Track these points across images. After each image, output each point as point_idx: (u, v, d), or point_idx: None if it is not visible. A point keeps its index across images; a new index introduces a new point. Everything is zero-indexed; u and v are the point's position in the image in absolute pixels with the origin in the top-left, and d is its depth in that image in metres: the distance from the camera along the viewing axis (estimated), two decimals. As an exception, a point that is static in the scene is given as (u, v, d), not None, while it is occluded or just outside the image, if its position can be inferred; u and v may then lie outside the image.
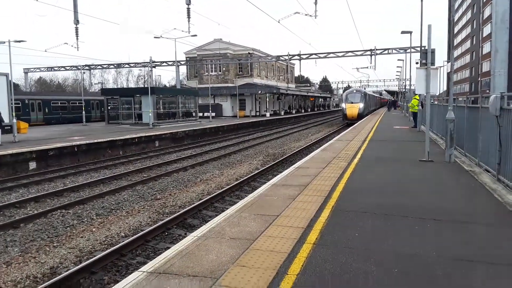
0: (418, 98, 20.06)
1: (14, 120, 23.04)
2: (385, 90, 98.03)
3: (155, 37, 39.79)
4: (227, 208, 7.47)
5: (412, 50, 35.72)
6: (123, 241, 8.15)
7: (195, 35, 40.77)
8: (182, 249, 4.39)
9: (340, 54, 40.95)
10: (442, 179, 8.41)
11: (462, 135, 11.60)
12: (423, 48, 9.53)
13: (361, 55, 40.24)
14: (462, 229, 5.11)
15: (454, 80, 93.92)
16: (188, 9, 15.60)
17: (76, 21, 16.17)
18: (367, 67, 44.70)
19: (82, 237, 8.67)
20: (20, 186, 14.09)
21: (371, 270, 3.81)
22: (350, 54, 40.67)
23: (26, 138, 23.11)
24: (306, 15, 25.68)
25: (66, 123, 38.71)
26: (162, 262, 4.03)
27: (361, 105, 37.23)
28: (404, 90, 51.44)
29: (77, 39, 17.13)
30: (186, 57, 56.88)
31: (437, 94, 11.66)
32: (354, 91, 41.27)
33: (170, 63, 48.47)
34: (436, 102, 19.65)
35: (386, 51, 39.14)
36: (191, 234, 4.99)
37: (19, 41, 21.41)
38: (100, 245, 8.21)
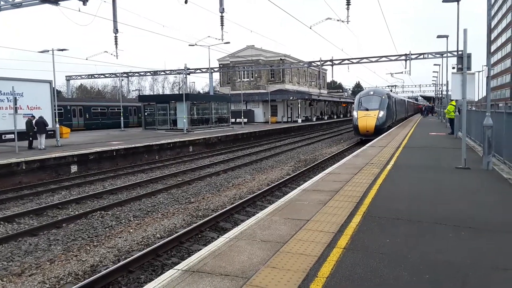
0: (454, 104, 19.51)
1: (57, 125, 24.21)
2: (421, 96, 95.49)
3: (189, 45, 40.63)
4: (258, 212, 7.61)
5: (449, 54, 34.69)
6: (158, 242, 8.47)
7: (228, 42, 41.42)
8: (215, 250, 4.55)
9: (373, 59, 40.36)
10: (478, 187, 8.19)
11: (501, 142, 11.22)
12: (459, 52, 9.31)
13: (396, 60, 39.49)
14: (498, 237, 5.00)
15: (494, 86, 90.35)
16: (222, 17, 15.95)
17: (116, 30, 16.87)
18: (402, 72, 43.83)
19: (120, 237, 9.03)
20: (62, 188, 14.80)
21: (402, 275, 3.82)
22: (384, 59, 40.00)
23: (68, 143, 24.21)
24: (338, 20, 25.59)
25: (105, 129, 40.18)
26: (196, 261, 4.20)
27: (381, 113, 26.55)
28: (441, 95, 50.02)
29: (116, 47, 17.85)
30: (220, 64, 57.78)
31: (475, 99, 11.34)
32: (371, 92, 28.84)
33: (203, 70, 49.37)
34: (474, 108, 19.07)
35: (422, 56, 38.22)
36: (223, 236, 5.14)
37: (62, 50, 22.56)
38: (137, 245, 8.53)
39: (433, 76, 69.83)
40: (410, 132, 23.42)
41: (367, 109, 26.96)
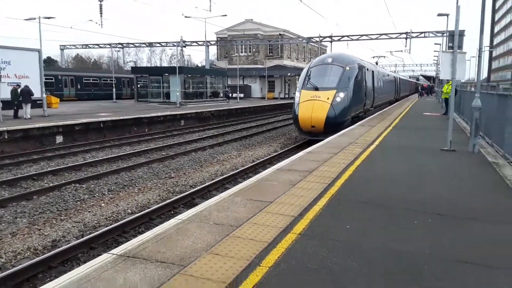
0: (450, 83, 19.00)
1: (44, 95, 23.70)
2: (422, 75, 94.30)
3: (185, 17, 39.61)
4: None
5: (450, 33, 33.83)
6: (127, 218, 8.21)
7: (225, 15, 40.64)
8: (161, 233, 4.24)
9: (373, 37, 39.52)
10: (460, 170, 7.87)
11: (491, 124, 10.87)
12: (449, 31, 8.84)
13: (396, 38, 38.69)
14: (464, 226, 4.69)
15: (496, 67, 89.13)
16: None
17: (101, -2, 16.19)
18: (401, 51, 42.80)
19: (89, 211, 8.77)
20: (43, 159, 14.48)
21: (352, 267, 3.52)
22: (384, 36, 39.17)
23: (56, 113, 23.78)
24: None
25: (97, 100, 39.61)
26: (135, 245, 3.89)
27: (340, 95, 15.84)
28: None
29: (101, 16, 17.22)
30: (217, 38, 56.60)
31: (463, 80, 10.89)
32: (329, 59, 17.60)
33: (200, 43, 48.38)
34: (473, 89, 18.59)
35: (422, 35, 37.42)
36: (176, 217, 4.83)
37: (49, 18, 21.81)
38: (105, 220, 8.28)
39: (434, 56, 68.75)
40: (404, 112, 22.99)
41: (316, 88, 16.05)
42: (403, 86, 45.54)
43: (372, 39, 39.59)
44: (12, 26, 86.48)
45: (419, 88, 53.88)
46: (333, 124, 15.27)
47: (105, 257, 3.61)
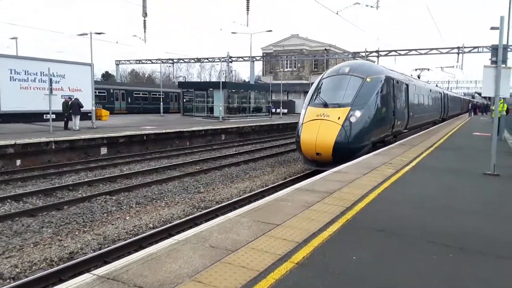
0: (502, 102, 17.70)
1: (93, 108, 24.87)
2: (477, 93, 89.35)
3: (232, 33, 40.40)
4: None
5: (509, 49, 31.75)
6: (146, 232, 8.18)
7: (270, 31, 40.83)
8: (152, 253, 4.07)
9: (422, 52, 37.99)
10: (500, 198, 7.10)
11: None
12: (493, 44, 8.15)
13: (447, 53, 36.95)
14: (493, 266, 4.11)
15: None
16: (247, 1, 15.34)
17: (144, 14, 16.81)
18: (453, 67, 40.50)
19: (113, 224, 8.85)
20: (85, 169, 15.02)
21: (344, 306, 3.15)
22: (434, 51, 37.54)
23: (105, 125, 24.80)
24: (370, 6, 23.83)
25: (146, 113, 41.07)
26: (120, 266, 3.74)
27: (356, 114, 12.51)
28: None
29: (144, 31, 17.85)
30: (263, 53, 57.15)
31: (508, 97, 10.01)
32: (346, 69, 14.02)
33: (245, 58, 49.01)
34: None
35: (476, 49, 35.41)
36: (173, 237, 4.66)
37: (99, 33, 22.97)
38: (125, 234, 8.30)
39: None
40: (452, 131, 21.67)
41: (325, 105, 12.93)
42: (452, 104, 39.73)
43: (421, 54, 38.09)
44: (62, 40, 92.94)
45: (469, 106, 49.09)
46: (345, 152, 11.99)
47: (84, 278, 3.49)
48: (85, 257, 6.78)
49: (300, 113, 14.24)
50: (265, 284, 3.45)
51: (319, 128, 12.26)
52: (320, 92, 13.67)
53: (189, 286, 3.38)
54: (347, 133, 12.13)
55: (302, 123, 13.01)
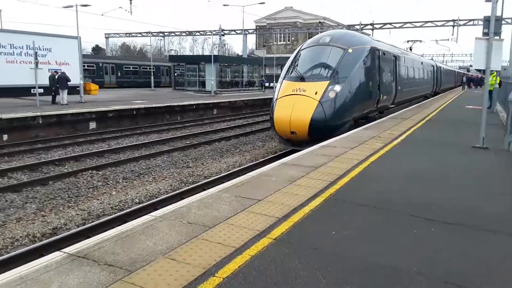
0: (495, 74, 17.54)
1: (82, 82, 24.38)
2: (471, 66, 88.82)
3: (224, 5, 39.41)
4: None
5: (503, 22, 31.32)
6: (131, 208, 8.10)
7: (263, 3, 39.83)
8: (126, 230, 3.96)
9: (417, 24, 37.42)
10: (489, 171, 7.04)
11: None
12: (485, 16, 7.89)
13: (442, 25, 36.39)
14: (474, 239, 4.05)
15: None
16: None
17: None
18: (448, 39, 39.83)
19: (98, 199, 8.75)
20: (73, 144, 14.82)
21: (319, 283, 3.07)
22: (429, 24, 36.97)
23: (93, 99, 24.37)
24: None
25: (137, 87, 40.44)
26: (92, 243, 3.64)
27: (335, 89, 11.47)
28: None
29: (130, 2, 17.25)
30: (256, 26, 56.05)
31: (499, 69, 9.85)
32: (327, 39, 12.83)
33: (238, 31, 48.08)
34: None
35: (471, 22, 34.90)
36: (150, 213, 4.55)
37: (85, 5, 22.25)
38: (111, 209, 8.21)
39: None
40: (445, 104, 21.57)
41: (302, 79, 11.83)
42: (446, 77, 37.43)
43: (416, 26, 37.54)
44: (48, 14, 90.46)
45: (463, 79, 48.57)
46: (322, 130, 11.01)
47: (54, 256, 3.38)
48: (68, 233, 6.69)
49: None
50: (240, 261, 3.37)
51: (294, 104, 11.25)
52: (297, 65, 12.60)
53: (161, 263, 3.28)
54: (325, 109, 11.09)
55: (276, 99, 12.00)
